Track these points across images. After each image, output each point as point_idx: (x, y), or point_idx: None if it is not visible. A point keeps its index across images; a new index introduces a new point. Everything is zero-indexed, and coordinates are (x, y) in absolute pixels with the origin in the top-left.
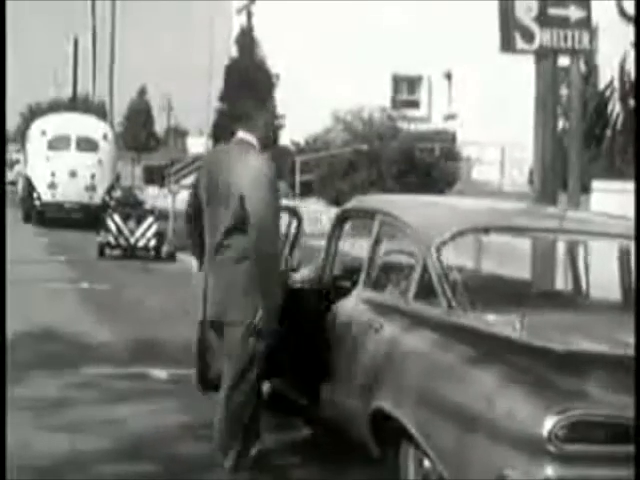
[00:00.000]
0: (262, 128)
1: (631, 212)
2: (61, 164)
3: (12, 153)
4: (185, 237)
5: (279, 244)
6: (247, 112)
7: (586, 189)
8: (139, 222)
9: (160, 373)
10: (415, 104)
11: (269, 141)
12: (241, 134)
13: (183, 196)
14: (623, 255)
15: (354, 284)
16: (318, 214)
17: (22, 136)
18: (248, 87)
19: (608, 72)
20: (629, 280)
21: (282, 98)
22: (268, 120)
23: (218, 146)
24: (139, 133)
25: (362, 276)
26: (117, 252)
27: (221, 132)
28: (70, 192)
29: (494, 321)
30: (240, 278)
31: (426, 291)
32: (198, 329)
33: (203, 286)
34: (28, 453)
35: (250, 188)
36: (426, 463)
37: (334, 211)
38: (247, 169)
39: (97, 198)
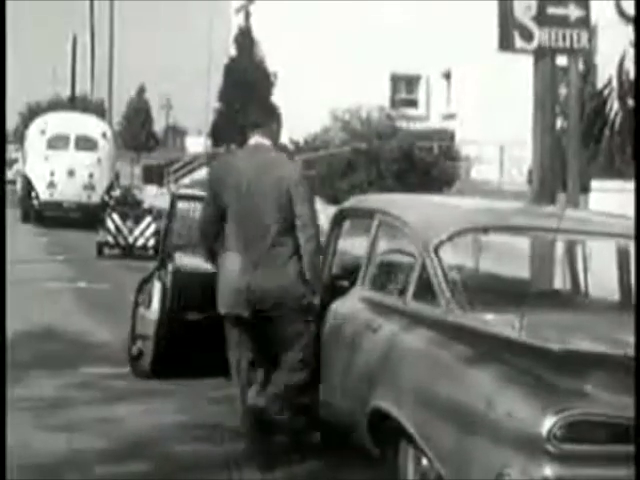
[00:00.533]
0: (275, 134)
1: (630, 211)
2: (60, 163)
3: (11, 152)
4: (203, 252)
5: None
6: (262, 119)
7: (585, 188)
8: (138, 221)
9: None
10: (413, 103)
11: (275, 145)
12: (257, 139)
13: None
14: (622, 254)
15: (353, 283)
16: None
17: (21, 135)
18: (247, 87)
19: (607, 71)
20: (628, 280)
21: (280, 97)
22: (278, 127)
23: (229, 153)
24: (138, 132)
25: (361, 275)
26: (116, 251)
27: (220, 132)
28: (69, 191)
29: (493, 321)
30: (291, 276)
31: (425, 291)
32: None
33: (240, 281)
34: (27, 452)
35: (298, 189)
36: (424, 463)
37: (333, 210)
38: (288, 171)
39: (96, 197)
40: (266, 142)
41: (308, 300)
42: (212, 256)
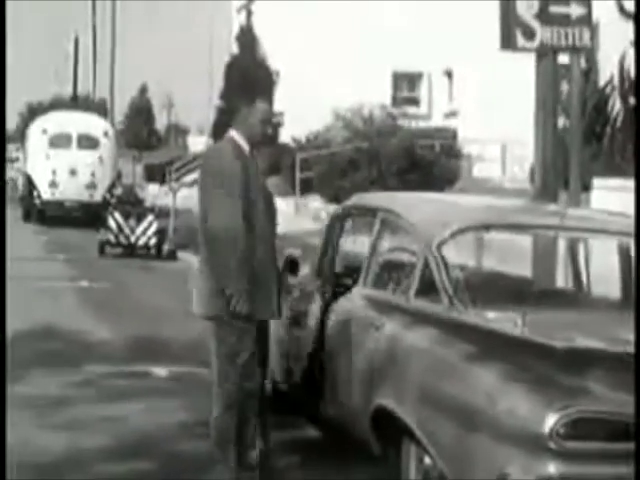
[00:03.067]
0: (249, 127)
1: (631, 209)
2: (62, 162)
3: (12, 151)
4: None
5: None
6: (236, 110)
7: (586, 186)
8: (139, 220)
9: (160, 371)
10: (415, 101)
11: (255, 140)
12: (231, 132)
13: (184, 194)
14: (623, 252)
15: (355, 281)
16: (318, 211)
17: (22, 134)
18: (248, 85)
19: (608, 69)
20: (629, 277)
21: (282, 95)
22: (255, 120)
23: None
24: (140, 131)
25: (363, 273)
26: (117, 250)
27: (222, 130)
28: (70, 190)
29: (495, 318)
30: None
31: (427, 288)
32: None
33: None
34: (28, 451)
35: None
36: (427, 461)
37: (334, 208)
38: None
39: (98, 196)
40: (237, 136)
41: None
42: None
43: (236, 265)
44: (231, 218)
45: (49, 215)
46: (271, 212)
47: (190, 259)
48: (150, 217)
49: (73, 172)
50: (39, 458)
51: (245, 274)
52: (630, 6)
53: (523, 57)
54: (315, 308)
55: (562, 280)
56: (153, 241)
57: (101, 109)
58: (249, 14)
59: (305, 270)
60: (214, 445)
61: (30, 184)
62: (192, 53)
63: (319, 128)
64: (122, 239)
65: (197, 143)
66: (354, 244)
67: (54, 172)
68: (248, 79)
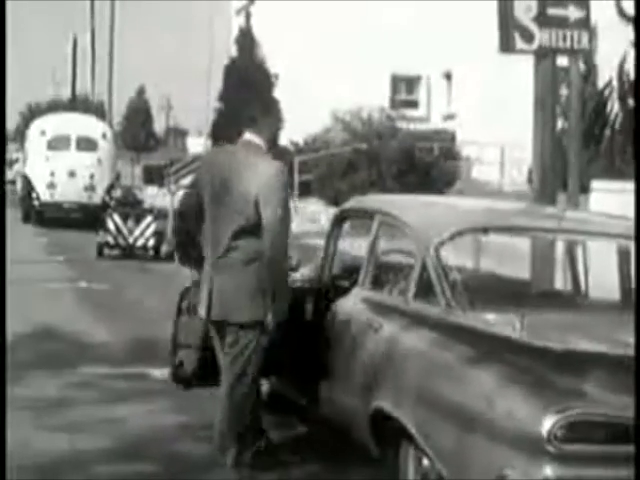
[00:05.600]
0: (268, 131)
1: (630, 212)
2: (60, 164)
3: (12, 153)
4: (175, 244)
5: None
6: (254, 115)
7: (585, 189)
8: (138, 222)
9: (159, 373)
10: (414, 104)
11: (273, 144)
12: (248, 136)
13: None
14: (622, 255)
15: (353, 283)
16: (317, 214)
17: (21, 136)
18: (247, 87)
19: (607, 72)
20: (628, 280)
21: (281, 98)
22: (274, 123)
23: (221, 146)
24: (138, 133)
25: (361, 275)
26: (116, 252)
27: (220, 132)
28: (69, 192)
29: (493, 321)
30: (249, 280)
31: (425, 291)
32: (173, 326)
33: (207, 286)
34: (28, 452)
35: (266, 191)
36: (425, 463)
37: (333, 211)
38: (261, 172)
39: (96, 198)
40: (257, 140)
41: (257, 318)
42: (196, 258)
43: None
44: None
45: (48, 216)
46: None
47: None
48: (148, 219)
49: (72, 174)
50: (39, 459)
51: None
52: (629, 8)
53: (522, 59)
54: (314, 310)
55: (561, 282)
56: (151, 243)
57: (99, 111)
58: (248, 16)
59: (305, 271)
60: (218, 448)
61: (29, 186)
62: (191, 55)
63: (318, 130)
64: (120, 240)
65: (196, 145)
66: (352, 246)
67: (53, 174)
68: (247, 81)
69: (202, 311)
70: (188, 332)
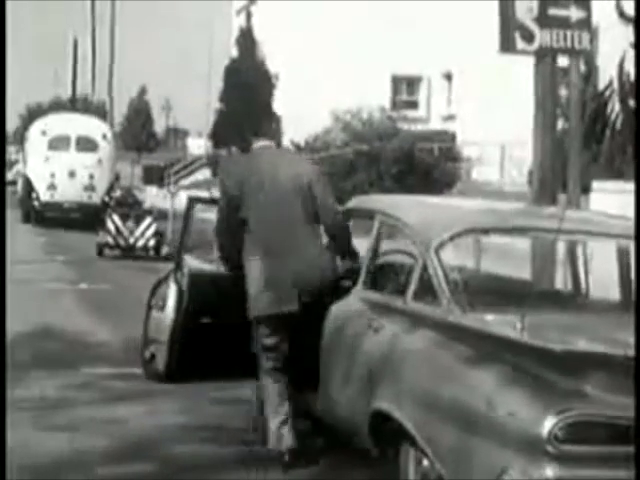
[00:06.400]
0: (275, 138)
1: (631, 212)
2: (61, 164)
3: (11, 154)
4: (221, 253)
5: None
6: (264, 127)
7: (585, 189)
8: (138, 222)
9: None
10: (414, 105)
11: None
12: (263, 142)
13: (182, 196)
14: (623, 255)
15: (354, 284)
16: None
17: (21, 136)
18: (248, 88)
19: (608, 73)
20: (629, 280)
21: (281, 98)
22: (278, 128)
23: (237, 158)
24: (139, 133)
25: (362, 276)
26: (116, 252)
27: (221, 133)
28: (69, 192)
29: (493, 321)
30: (326, 256)
31: (426, 291)
32: (144, 325)
33: (260, 282)
34: (28, 453)
35: (317, 182)
36: (425, 463)
37: None
38: (304, 166)
39: (96, 198)
40: (270, 144)
41: (346, 268)
42: (233, 264)
43: None
44: None
45: (48, 217)
46: None
47: (188, 261)
48: (149, 219)
49: (72, 174)
50: (39, 460)
51: None
52: (630, 9)
53: (522, 60)
54: (314, 309)
55: (561, 283)
56: (152, 243)
57: (100, 111)
58: (249, 16)
59: None
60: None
61: (29, 186)
62: (191, 55)
63: (318, 131)
64: (120, 241)
65: (196, 145)
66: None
67: (53, 174)
68: (247, 82)
69: (278, 308)
70: (158, 327)
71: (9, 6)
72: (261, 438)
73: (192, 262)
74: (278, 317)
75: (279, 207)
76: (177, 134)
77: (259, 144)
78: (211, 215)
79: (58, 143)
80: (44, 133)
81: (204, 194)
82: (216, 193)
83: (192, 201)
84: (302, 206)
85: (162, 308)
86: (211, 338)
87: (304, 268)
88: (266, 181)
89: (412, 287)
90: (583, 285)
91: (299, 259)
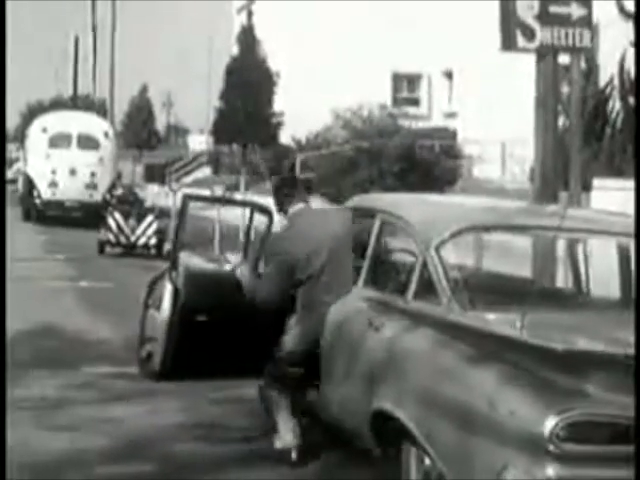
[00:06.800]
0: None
1: (631, 210)
2: (62, 162)
3: (12, 151)
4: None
5: None
6: (297, 189)
7: (586, 187)
8: (139, 220)
9: None
10: (415, 102)
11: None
12: (299, 205)
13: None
14: (623, 253)
15: (354, 282)
16: None
17: (22, 134)
18: (249, 86)
19: (608, 70)
20: (629, 278)
21: (282, 96)
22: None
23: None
24: (140, 131)
25: (363, 274)
26: (117, 250)
27: (222, 131)
28: (70, 190)
29: (494, 320)
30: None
31: (427, 290)
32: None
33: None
34: (28, 452)
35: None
36: (427, 462)
37: None
38: (348, 215)
39: (98, 196)
40: (303, 205)
41: None
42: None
43: None
44: None
45: (49, 215)
46: None
47: (186, 259)
48: (150, 217)
49: (73, 172)
50: (39, 459)
51: None
52: (630, 7)
53: (523, 57)
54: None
55: (562, 281)
56: (153, 241)
57: (101, 109)
58: (249, 14)
59: None
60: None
61: (30, 184)
62: (192, 53)
63: (319, 128)
64: (122, 239)
65: (197, 143)
66: None
67: (54, 172)
68: (248, 80)
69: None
70: (154, 326)
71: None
72: (265, 436)
73: (191, 260)
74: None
75: (332, 259)
76: (178, 132)
77: (293, 209)
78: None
79: (59, 141)
80: (45, 131)
81: (205, 192)
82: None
83: (187, 198)
84: (349, 250)
85: (158, 307)
86: (207, 336)
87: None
88: (316, 239)
89: (413, 285)
90: (584, 283)
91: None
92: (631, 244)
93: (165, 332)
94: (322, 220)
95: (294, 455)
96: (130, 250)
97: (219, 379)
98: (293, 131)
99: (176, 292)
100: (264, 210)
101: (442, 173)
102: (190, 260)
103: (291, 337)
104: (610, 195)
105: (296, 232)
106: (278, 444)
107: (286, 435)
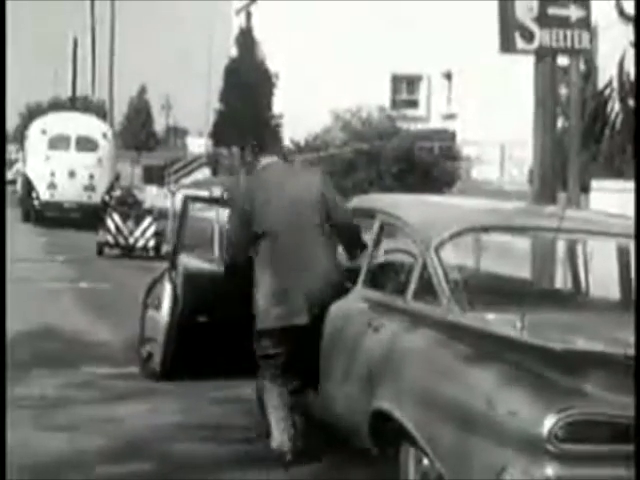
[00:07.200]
0: (280, 152)
1: (630, 211)
2: (61, 164)
3: (12, 153)
4: (229, 262)
5: None
6: (267, 140)
7: (585, 188)
8: (138, 222)
9: None
10: (414, 104)
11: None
12: (269, 159)
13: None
14: (623, 254)
15: (354, 283)
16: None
17: (21, 135)
18: (248, 88)
19: (607, 72)
20: (629, 279)
21: (281, 97)
22: (280, 143)
23: (251, 173)
24: (139, 133)
25: (362, 275)
26: (116, 251)
27: (221, 132)
28: (69, 192)
29: (494, 320)
30: (335, 264)
31: (426, 290)
32: (140, 324)
33: (270, 297)
34: (28, 452)
35: (329, 191)
36: (425, 462)
37: None
38: (313, 176)
39: (96, 198)
40: (276, 159)
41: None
42: (237, 273)
43: None
44: None
45: (48, 216)
46: None
47: (186, 260)
48: (149, 219)
49: (72, 174)
50: (39, 459)
51: None
52: (630, 9)
53: (522, 59)
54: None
55: (561, 282)
56: (152, 243)
57: (100, 110)
58: (248, 16)
59: None
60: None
61: (29, 185)
62: (191, 54)
63: (318, 130)
64: (121, 240)
65: (196, 145)
66: None
67: (53, 173)
68: (247, 81)
69: (281, 321)
70: (154, 326)
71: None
72: (263, 437)
73: (190, 261)
74: (285, 329)
75: (291, 221)
76: (177, 133)
77: (265, 161)
78: (211, 214)
79: (58, 142)
80: (44, 132)
81: (204, 193)
82: (216, 192)
83: (188, 200)
84: (314, 216)
85: (158, 307)
86: (206, 336)
87: (317, 283)
88: (276, 196)
89: (412, 286)
90: (583, 284)
91: (312, 274)
92: (630, 245)
93: (165, 332)
94: (288, 177)
95: (289, 456)
96: (128, 252)
97: (219, 379)
98: (292, 133)
99: (175, 293)
100: None
101: (441, 174)
102: (190, 261)
103: (258, 312)
104: (609, 196)
105: (257, 184)
106: (274, 444)
107: (279, 435)
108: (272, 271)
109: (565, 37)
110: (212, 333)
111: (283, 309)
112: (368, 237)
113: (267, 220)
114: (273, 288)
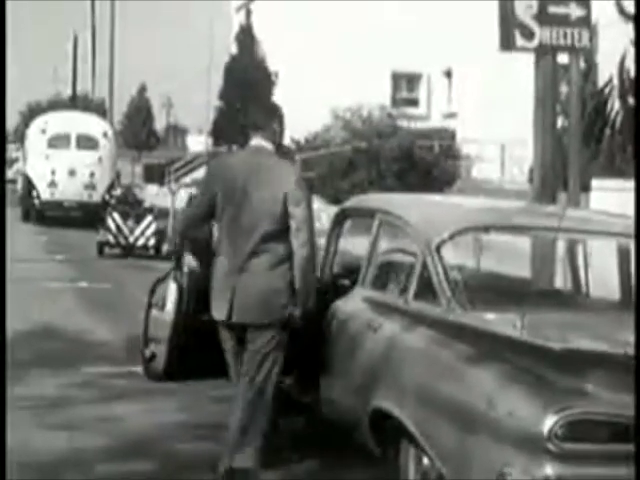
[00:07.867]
0: (277, 135)
1: (630, 210)
2: (61, 162)
3: (12, 151)
4: (177, 244)
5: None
6: (263, 121)
7: (585, 187)
8: (138, 221)
9: None
10: (414, 102)
11: (279, 147)
12: (258, 141)
13: (183, 194)
14: (623, 253)
15: (354, 283)
16: (318, 213)
17: (21, 135)
18: (248, 86)
19: (608, 70)
20: (629, 279)
21: (281, 96)
22: (281, 128)
23: (229, 153)
24: (139, 131)
25: (362, 275)
26: (116, 251)
27: (221, 130)
28: (70, 190)
29: (494, 320)
30: (276, 281)
31: (426, 290)
32: (144, 324)
33: (228, 291)
34: (28, 451)
35: (293, 192)
36: (426, 462)
37: (334, 209)
38: (284, 174)
39: (97, 196)
40: (266, 144)
41: (289, 312)
42: (179, 254)
43: None
44: None
45: (48, 215)
46: None
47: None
48: (149, 218)
49: (72, 172)
50: (39, 458)
51: None
52: (630, 7)
53: (522, 57)
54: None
55: (561, 281)
56: (152, 242)
57: (100, 109)
58: (248, 14)
59: None
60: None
61: (29, 184)
62: (191, 53)
63: (318, 129)
64: (121, 239)
65: (196, 143)
66: (353, 245)
67: (53, 172)
68: (247, 79)
69: (220, 315)
70: (158, 326)
71: (9, 6)
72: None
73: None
74: (227, 325)
75: (244, 213)
76: (177, 132)
77: (254, 142)
78: None
79: (58, 141)
80: (44, 131)
81: None
82: None
83: (193, 199)
84: (269, 217)
85: (162, 307)
86: (211, 336)
87: (244, 285)
88: (239, 182)
89: (412, 286)
90: (583, 284)
91: (244, 273)
92: (631, 245)
93: (169, 332)
94: (260, 167)
95: (221, 468)
96: (129, 251)
97: (223, 379)
98: (292, 131)
99: (180, 292)
100: None
101: (441, 173)
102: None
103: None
104: (609, 195)
105: (225, 165)
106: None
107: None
108: (219, 259)
109: (565, 35)
110: (217, 333)
111: (217, 303)
112: (367, 238)
113: (225, 209)
114: (216, 279)
